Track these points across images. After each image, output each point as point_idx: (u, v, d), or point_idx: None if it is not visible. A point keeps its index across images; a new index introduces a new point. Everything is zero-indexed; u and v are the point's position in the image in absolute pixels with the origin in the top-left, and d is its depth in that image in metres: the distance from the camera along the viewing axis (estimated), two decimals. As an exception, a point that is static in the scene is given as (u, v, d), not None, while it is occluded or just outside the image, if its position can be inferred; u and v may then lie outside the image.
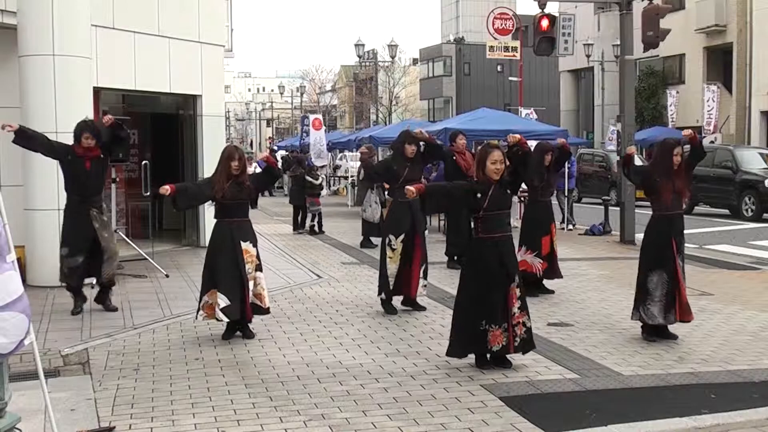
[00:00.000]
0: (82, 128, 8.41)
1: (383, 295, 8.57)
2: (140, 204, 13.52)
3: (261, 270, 7.51)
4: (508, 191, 6.45)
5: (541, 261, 9.38)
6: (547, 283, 9.68)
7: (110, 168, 11.23)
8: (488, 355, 6.35)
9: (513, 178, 6.48)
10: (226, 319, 7.20)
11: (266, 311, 7.56)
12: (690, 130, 7.83)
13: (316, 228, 16.59)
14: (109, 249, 8.49)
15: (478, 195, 6.24)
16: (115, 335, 7.54)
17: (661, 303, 7.14)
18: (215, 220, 7.48)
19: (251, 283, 7.34)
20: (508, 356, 6.38)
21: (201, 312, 7.29)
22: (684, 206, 7.53)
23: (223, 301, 7.13)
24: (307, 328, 7.82)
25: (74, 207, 8.45)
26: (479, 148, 6.74)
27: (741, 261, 12.80)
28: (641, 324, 7.39)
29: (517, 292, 6.31)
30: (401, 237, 8.46)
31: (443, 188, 6.91)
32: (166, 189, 7.01)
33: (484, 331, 6.19)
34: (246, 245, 7.33)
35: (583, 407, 5.47)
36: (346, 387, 5.93)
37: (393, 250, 8.47)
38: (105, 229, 8.57)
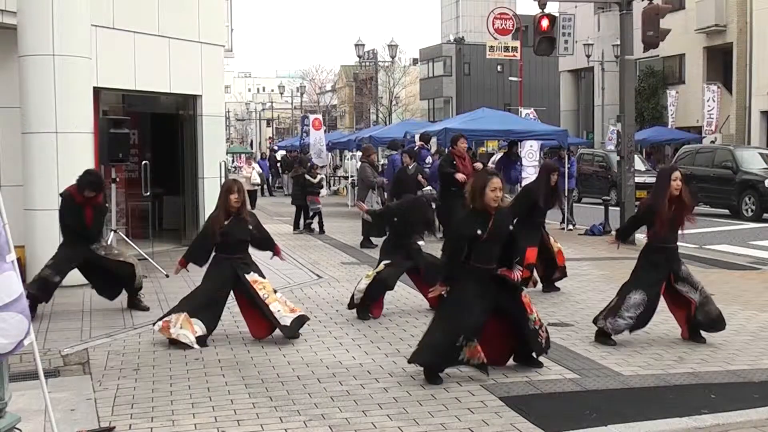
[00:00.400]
0: (85, 184, 8.30)
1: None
2: (140, 204, 13.51)
3: (276, 291, 7.53)
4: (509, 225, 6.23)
5: (521, 269, 9.21)
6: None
7: (110, 168, 11.26)
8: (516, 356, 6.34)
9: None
10: (197, 347, 7.06)
11: (306, 318, 7.51)
12: None
13: (317, 228, 16.57)
14: (131, 262, 8.76)
15: (479, 232, 5.96)
16: (115, 335, 7.54)
17: (631, 321, 7.08)
18: (215, 254, 7.52)
19: (277, 305, 7.31)
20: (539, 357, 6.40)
21: (159, 323, 7.28)
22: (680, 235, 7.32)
23: (200, 330, 7.14)
24: (307, 328, 7.80)
25: (72, 241, 8.49)
26: (475, 173, 6.53)
27: (741, 261, 12.80)
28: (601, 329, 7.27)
29: (527, 297, 6.31)
30: (385, 262, 8.40)
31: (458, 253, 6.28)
32: (178, 268, 7.54)
33: (459, 347, 5.93)
34: (251, 276, 7.36)
35: (583, 407, 5.47)
36: (346, 387, 5.93)
37: (374, 269, 8.50)
38: (109, 250, 8.80)
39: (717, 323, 7.27)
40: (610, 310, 7.21)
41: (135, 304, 8.78)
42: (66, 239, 8.62)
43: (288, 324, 7.28)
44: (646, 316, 7.15)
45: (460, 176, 11.67)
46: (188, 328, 7.09)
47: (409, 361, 6.13)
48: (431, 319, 6.42)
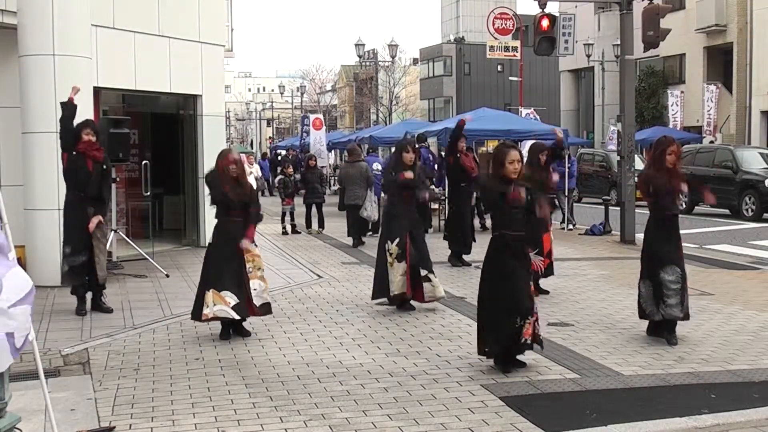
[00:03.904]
0: (82, 125, 8.46)
1: (385, 299, 8.64)
2: (140, 204, 13.51)
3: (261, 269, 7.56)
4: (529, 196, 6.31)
5: (542, 258, 9.30)
6: (543, 283, 9.65)
7: (110, 168, 11.24)
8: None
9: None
10: (237, 317, 7.21)
11: (269, 308, 7.62)
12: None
13: (289, 228, 16.69)
14: (99, 251, 8.49)
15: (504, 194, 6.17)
16: (115, 335, 7.54)
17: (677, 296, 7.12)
18: (216, 220, 7.52)
19: (258, 283, 7.38)
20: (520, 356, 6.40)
21: (205, 312, 7.21)
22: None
23: (233, 299, 7.17)
24: (307, 328, 7.82)
25: (73, 205, 8.44)
26: (495, 146, 6.67)
27: (741, 261, 12.79)
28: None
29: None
30: (396, 241, 8.49)
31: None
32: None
33: (520, 327, 6.12)
34: (248, 245, 7.38)
35: (583, 407, 5.47)
36: (346, 387, 5.93)
37: (390, 254, 8.50)
38: (99, 230, 8.54)
39: None
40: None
41: (99, 305, 8.55)
42: (67, 201, 8.52)
43: (257, 305, 7.37)
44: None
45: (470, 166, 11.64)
46: (221, 303, 7.13)
47: (488, 357, 6.34)
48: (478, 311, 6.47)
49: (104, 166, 8.55)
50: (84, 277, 8.45)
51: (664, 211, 7.25)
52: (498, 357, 6.33)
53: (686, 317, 7.24)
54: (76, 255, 8.33)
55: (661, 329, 7.29)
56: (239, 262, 7.29)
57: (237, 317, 7.22)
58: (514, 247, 6.22)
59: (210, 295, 7.16)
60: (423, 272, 8.53)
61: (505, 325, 6.15)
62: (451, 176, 12.24)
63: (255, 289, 7.36)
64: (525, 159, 8.45)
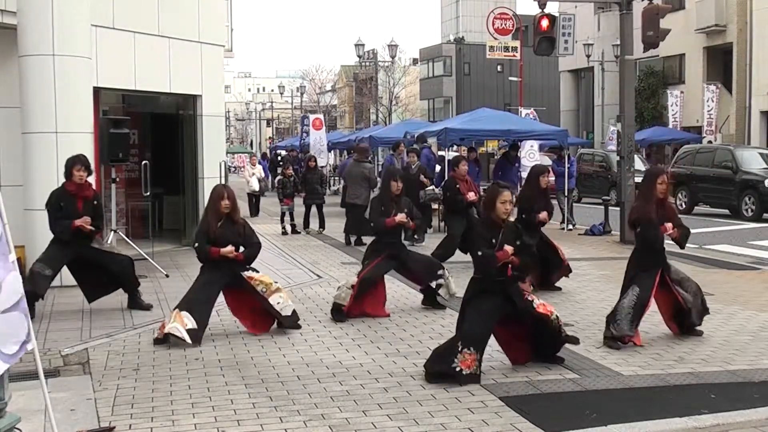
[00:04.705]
0: (73, 161, 8.27)
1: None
2: (140, 204, 13.52)
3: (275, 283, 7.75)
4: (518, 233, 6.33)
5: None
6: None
7: (110, 168, 11.26)
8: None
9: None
10: (188, 340, 7.07)
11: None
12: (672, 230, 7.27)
13: (288, 228, 16.72)
14: (118, 264, 8.60)
15: (492, 240, 6.16)
16: (115, 335, 7.54)
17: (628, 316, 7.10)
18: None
19: (276, 297, 7.54)
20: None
21: (158, 331, 7.35)
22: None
23: (190, 322, 7.16)
24: (307, 328, 7.82)
25: (63, 240, 8.29)
26: (489, 186, 6.63)
27: (741, 261, 12.79)
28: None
29: (537, 300, 6.34)
30: (365, 263, 8.55)
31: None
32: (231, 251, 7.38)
33: (456, 350, 5.95)
34: (247, 273, 7.53)
35: (583, 407, 5.47)
36: (346, 387, 5.93)
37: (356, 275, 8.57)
38: (101, 246, 8.68)
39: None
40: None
41: (137, 303, 8.68)
42: (56, 238, 8.35)
43: (289, 314, 7.63)
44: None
45: (470, 195, 11.41)
46: (179, 321, 7.14)
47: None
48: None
49: (95, 202, 8.50)
50: (42, 289, 8.16)
51: (649, 245, 7.19)
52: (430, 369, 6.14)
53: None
54: (45, 265, 8.18)
55: (683, 327, 7.41)
56: (216, 294, 7.47)
57: (188, 340, 7.06)
58: (498, 289, 6.17)
59: (173, 314, 7.25)
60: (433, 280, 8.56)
61: (448, 343, 6.14)
62: (447, 200, 11.99)
63: (278, 303, 7.55)
64: (521, 164, 8.38)
